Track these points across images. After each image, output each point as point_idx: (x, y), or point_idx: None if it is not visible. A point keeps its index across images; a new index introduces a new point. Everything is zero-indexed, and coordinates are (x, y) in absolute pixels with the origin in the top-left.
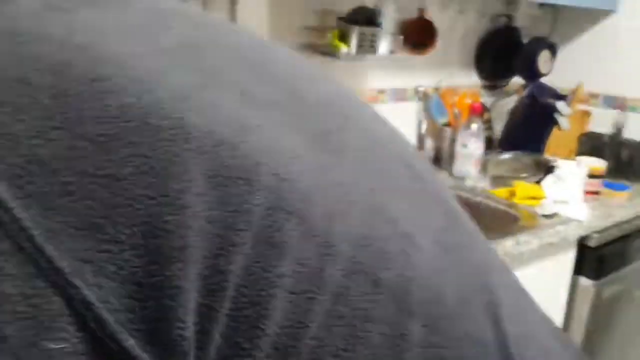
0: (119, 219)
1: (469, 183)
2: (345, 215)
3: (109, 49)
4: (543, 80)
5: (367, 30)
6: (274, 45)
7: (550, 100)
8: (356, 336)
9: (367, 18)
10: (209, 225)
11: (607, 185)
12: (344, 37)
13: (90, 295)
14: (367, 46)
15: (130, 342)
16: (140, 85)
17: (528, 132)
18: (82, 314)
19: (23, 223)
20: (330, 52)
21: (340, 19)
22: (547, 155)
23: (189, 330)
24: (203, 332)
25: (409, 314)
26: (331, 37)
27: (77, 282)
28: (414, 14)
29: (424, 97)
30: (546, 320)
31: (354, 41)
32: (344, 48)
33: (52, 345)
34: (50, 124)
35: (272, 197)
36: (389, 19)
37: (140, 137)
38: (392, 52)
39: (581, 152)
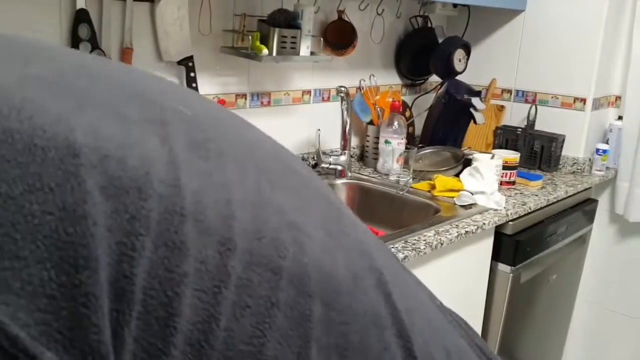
0: (18, 236)
1: (392, 178)
2: (236, 213)
3: None
4: (459, 77)
5: (287, 32)
6: (136, 69)
7: (466, 97)
8: (264, 322)
9: (287, 20)
10: (109, 233)
11: (522, 176)
12: (264, 40)
13: None
14: (288, 48)
15: (47, 355)
16: (19, 112)
17: (446, 128)
18: None
19: None
20: (251, 55)
21: (260, 21)
22: (464, 149)
23: (105, 334)
24: (116, 337)
25: (309, 295)
26: (252, 39)
27: None
28: (333, 16)
29: (347, 96)
30: (428, 294)
31: (274, 43)
32: (265, 50)
33: None
34: None
35: (165, 202)
36: (309, 21)
37: (29, 158)
38: (313, 53)
39: (497, 145)
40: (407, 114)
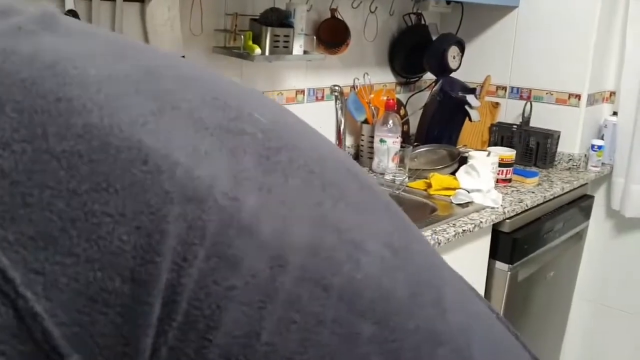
0: (75, 233)
1: (388, 177)
2: (293, 230)
3: (72, 71)
4: (453, 75)
5: (280, 31)
6: (217, 73)
7: (461, 94)
8: (308, 339)
9: (280, 19)
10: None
11: (518, 173)
12: (257, 39)
13: (39, 307)
14: (281, 47)
15: (74, 358)
16: (101, 108)
17: (441, 126)
18: (29, 326)
19: None
20: (244, 54)
21: (252, 20)
22: (460, 147)
23: (135, 346)
24: (152, 346)
25: (360, 314)
26: (244, 39)
27: (27, 293)
28: (326, 15)
29: (341, 95)
30: (486, 307)
31: (267, 42)
32: (257, 50)
33: None
34: (14, 136)
35: (224, 215)
36: (302, 20)
37: (101, 156)
38: (306, 52)
39: (492, 142)
40: (402, 112)
